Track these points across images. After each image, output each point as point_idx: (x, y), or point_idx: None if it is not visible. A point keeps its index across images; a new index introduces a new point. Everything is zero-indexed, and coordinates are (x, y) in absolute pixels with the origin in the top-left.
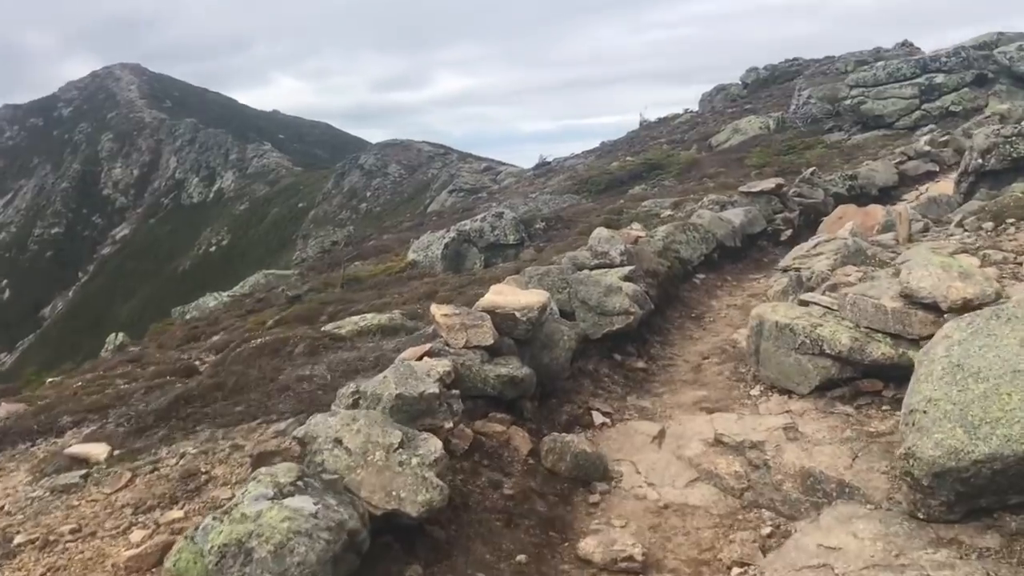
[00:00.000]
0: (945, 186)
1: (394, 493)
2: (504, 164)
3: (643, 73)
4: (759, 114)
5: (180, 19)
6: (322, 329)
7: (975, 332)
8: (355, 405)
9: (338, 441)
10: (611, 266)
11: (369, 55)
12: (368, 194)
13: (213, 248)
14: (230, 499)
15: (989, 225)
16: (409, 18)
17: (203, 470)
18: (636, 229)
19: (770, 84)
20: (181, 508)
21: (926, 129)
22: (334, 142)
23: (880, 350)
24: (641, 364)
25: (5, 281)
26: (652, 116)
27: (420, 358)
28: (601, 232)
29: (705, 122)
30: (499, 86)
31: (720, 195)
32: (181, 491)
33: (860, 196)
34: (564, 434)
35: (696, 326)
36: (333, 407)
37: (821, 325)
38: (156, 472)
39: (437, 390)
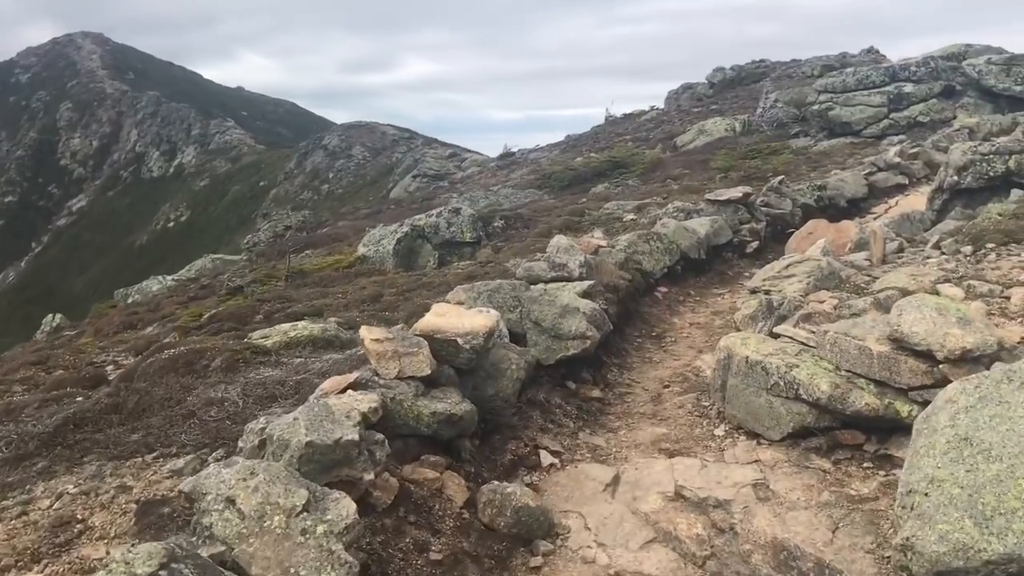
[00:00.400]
0: (916, 201)
1: (293, 571)
2: (470, 151)
3: (610, 67)
4: (725, 115)
5: None
6: (246, 340)
7: (984, 398)
8: (261, 448)
9: (231, 501)
10: (569, 279)
11: (338, 35)
12: (331, 175)
13: (172, 224)
14: (102, 560)
15: (968, 249)
16: (379, 0)
17: (80, 517)
18: (597, 237)
19: (736, 85)
20: (42, 570)
21: (896, 140)
22: (298, 121)
23: (864, 400)
24: (596, 392)
25: None
26: (618, 111)
27: (344, 390)
28: (560, 241)
29: (671, 121)
30: (468, 73)
31: (685, 202)
32: (48, 545)
33: (828, 208)
34: (505, 483)
35: (656, 347)
36: (240, 443)
37: (797, 366)
38: (24, 517)
39: (356, 436)
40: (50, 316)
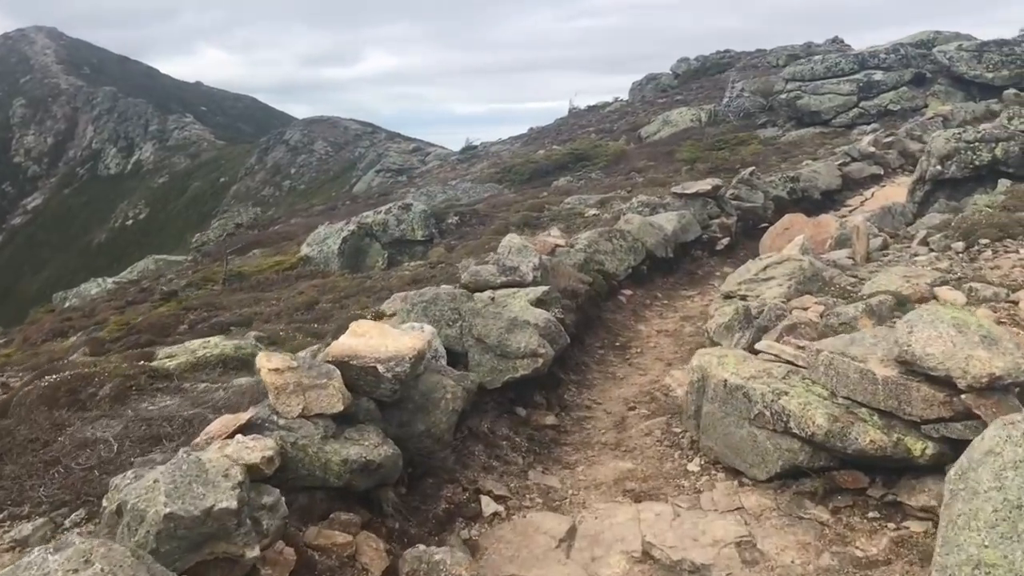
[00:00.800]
0: (893, 192)
1: None
2: (433, 145)
3: (573, 60)
4: (691, 106)
5: None
6: (142, 363)
7: None
8: (119, 515)
9: None
10: (521, 284)
11: (298, 29)
12: (293, 171)
13: (130, 221)
14: None
15: (959, 245)
16: None
17: None
18: (554, 236)
19: (701, 75)
20: None
21: (869, 129)
22: (259, 116)
23: (868, 435)
24: (551, 419)
25: None
26: (582, 103)
27: (233, 434)
28: (512, 240)
29: (635, 112)
30: (431, 66)
31: (650, 195)
32: None
33: (802, 200)
34: (434, 549)
35: (620, 360)
36: (105, 501)
37: (786, 393)
38: None
39: (235, 503)
40: None
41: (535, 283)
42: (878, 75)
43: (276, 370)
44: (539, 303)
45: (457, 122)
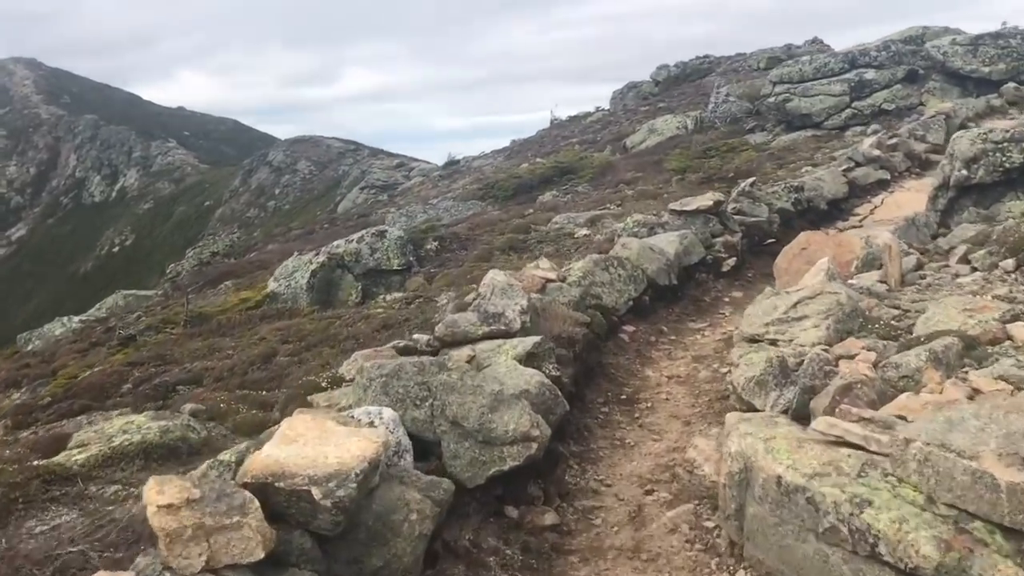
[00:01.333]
0: (904, 198)
1: None
2: (417, 160)
3: (552, 71)
4: (675, 113)
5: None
6: (42, 462)
7: None
8: None
9: None
10: (508, 333)
11: (277, 51)
12: (277, 191)
13: (116, 249)
14: None
15: (1009, 264)
16: (318, 14)
17: None
18: (544, 268)
19: (682, 82)
20: None
21: (869, 130)
22: (242, 139)
23: (997, 569)
24: (550, 517)
25: None
26: (563, 114)
27: None
28: (495, 279)
29: (618, 121)
30: (411, 83)
31: (645, 214)
32: None
33: (807, 211)
34: None
35: (628, 419)
36: None
37: (870, 502)
38: None
39: None
40: None
41: (523, 330)
42: (870, 74)
43: (169, 507)
44: (529, 358)
45: (439, 137)
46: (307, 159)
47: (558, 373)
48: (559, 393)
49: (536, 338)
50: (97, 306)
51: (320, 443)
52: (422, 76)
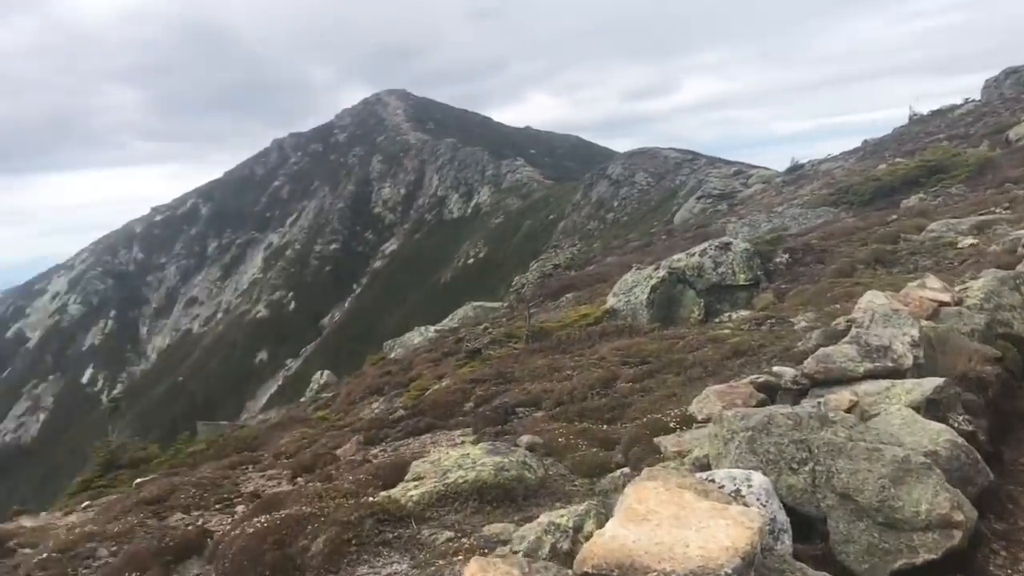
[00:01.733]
0: None
1: None
2: (755, 167)
3: (907, 65)
4: None
5: (443, 46)
6: (376, 499)
7: None
8: None
9: None
10: (897, 372)
11: (618, 66)
12: (615, 204)
13: (471, 260)
14: None
15: None
16: (657, 27)
17: None
18: (932, 287)
19: None
20: None
21: None
22: (583, 154)
23: None
24: None
25: (291, 294)
26: (924, 109)
27: None
28: (874, 303)
29: (995, 112)
30: (750, 87)
31: None
32: None
33: None
34: None
35: None
36: None
37: None
38: None
39: None
40: (318, 373)
41: (916, 368)
42: None
43: None
44: (930, 406)
45: (780, 142)
46: (644, 171)
47: (971, 428)
48: (977, 457)
49: (938, 380)
50: (450, 316)
51: (677, 524)
52: (762, 79)
